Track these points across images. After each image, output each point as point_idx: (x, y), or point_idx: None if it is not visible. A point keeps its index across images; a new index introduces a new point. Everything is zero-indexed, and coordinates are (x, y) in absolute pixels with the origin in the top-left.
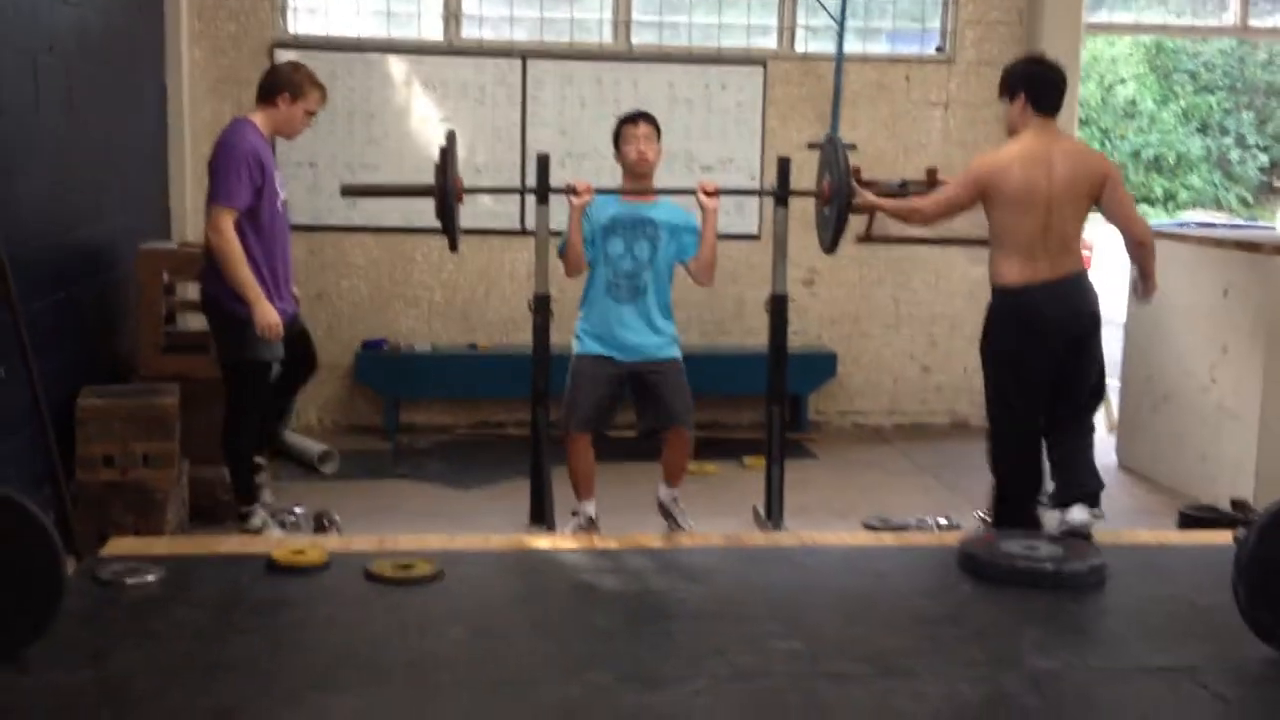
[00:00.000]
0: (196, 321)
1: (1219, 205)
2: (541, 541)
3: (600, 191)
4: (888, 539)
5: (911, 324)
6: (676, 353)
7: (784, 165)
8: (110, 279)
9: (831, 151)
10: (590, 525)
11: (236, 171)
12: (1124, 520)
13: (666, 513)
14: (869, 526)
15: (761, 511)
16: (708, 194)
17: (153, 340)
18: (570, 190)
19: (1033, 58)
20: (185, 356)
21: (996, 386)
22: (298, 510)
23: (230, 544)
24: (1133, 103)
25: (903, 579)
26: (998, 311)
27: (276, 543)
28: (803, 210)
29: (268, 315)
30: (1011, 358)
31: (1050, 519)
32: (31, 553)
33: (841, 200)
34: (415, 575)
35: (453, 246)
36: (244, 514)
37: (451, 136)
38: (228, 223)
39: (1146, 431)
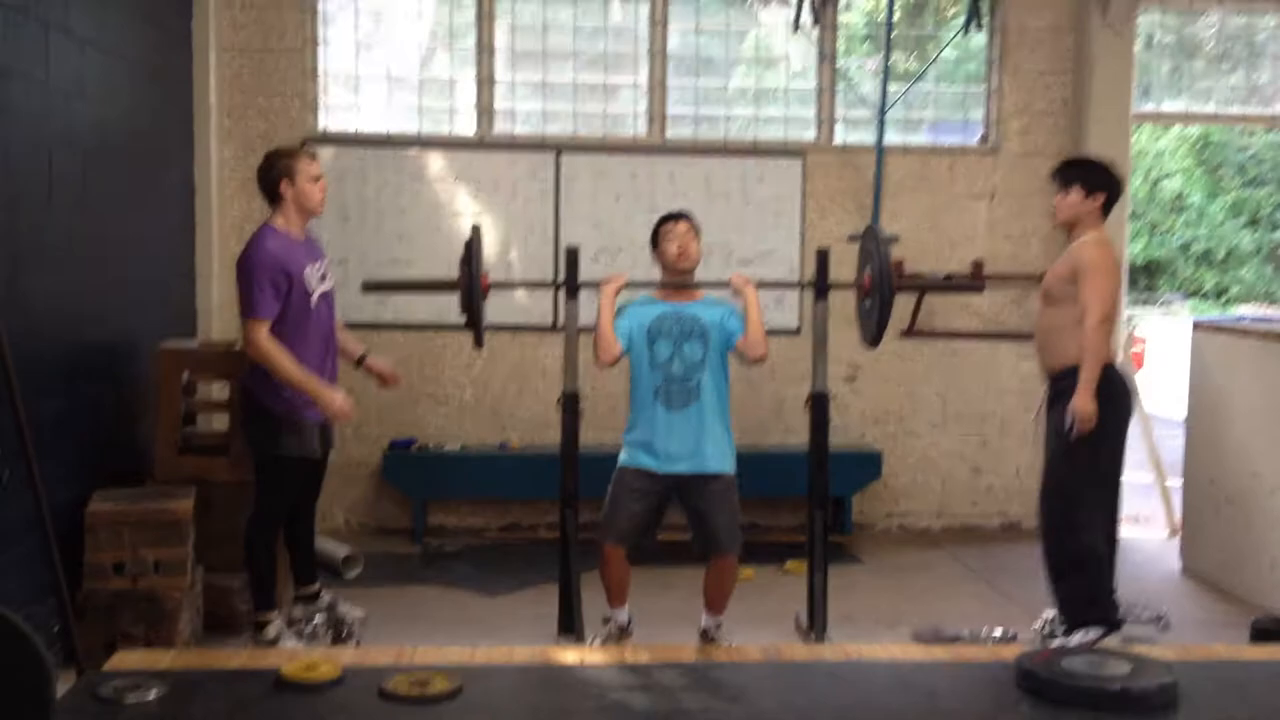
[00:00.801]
0: (217, 422)
1: (1271, 299)
2: (568, 655)
3: (633, 285)
4: (939, 653)
5: (960, 422)
6: (729, 466)
7: (823, 257)
8: (127, 378)
9: (872, 242)
10: (622, 633)
11: (259, 284)
12: (1193, 632)
13: (710, 641)
14: (919, 638)
15: (803, 620)
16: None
17: (170, 441)
18: (605, 282)
19: (1101, 161)
20: (203, 458)
21: (1092, 464)
22: (358, 614)
23: (240, 658)
24: (1180, 196)
25: (956, 699)
26: (1102, 387)
27: (289, 656)
28: (844, 304)
29: (333, 404)
30: (1117, 429)
31: None
32: (18, 671)
33: (883, 292)
34: (432, 693)
35: (478, 343)
36: (260, 623)
37: (476, 230)
38: (260, 334)
39: (1211, 536)
